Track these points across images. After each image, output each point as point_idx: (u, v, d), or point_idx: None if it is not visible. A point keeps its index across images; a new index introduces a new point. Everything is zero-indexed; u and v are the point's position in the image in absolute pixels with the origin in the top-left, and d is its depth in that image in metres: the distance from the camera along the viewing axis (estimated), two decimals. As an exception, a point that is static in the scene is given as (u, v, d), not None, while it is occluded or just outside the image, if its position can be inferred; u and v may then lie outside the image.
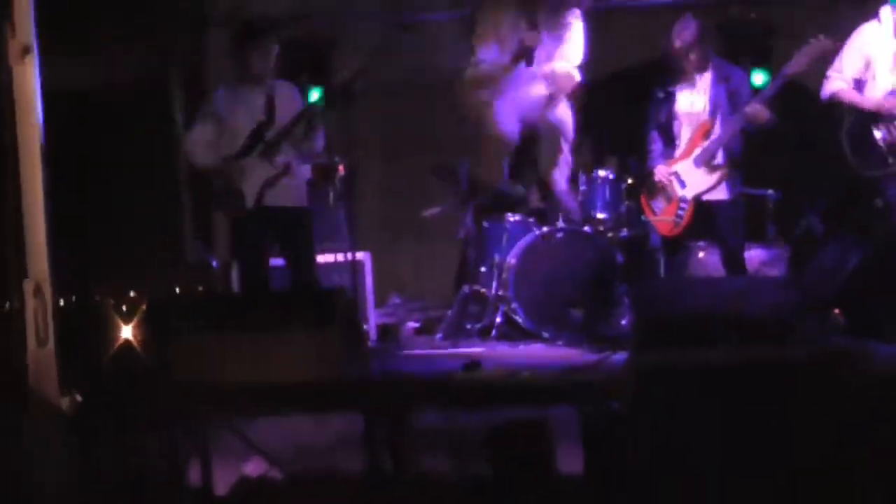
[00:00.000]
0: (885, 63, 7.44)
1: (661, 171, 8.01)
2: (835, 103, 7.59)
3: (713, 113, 7.96)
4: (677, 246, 8.16)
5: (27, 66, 5.85)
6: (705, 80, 8.02)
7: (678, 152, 8.04)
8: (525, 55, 7.96)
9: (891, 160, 7.35)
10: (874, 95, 7.45)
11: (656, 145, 8.09)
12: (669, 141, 8.08)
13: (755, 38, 9.51)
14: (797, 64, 7.63)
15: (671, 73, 8.07)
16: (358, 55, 7.67)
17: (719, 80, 8.00)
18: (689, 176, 7.98)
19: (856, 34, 7.57)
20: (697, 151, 7.96)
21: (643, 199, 8.17)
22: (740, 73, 8.10)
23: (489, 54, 8.27)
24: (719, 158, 7.95)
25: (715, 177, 7.96)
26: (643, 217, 8.21)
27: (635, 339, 6.46)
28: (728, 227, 8.07)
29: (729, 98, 7.96)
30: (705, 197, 8.00)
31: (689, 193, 7.98)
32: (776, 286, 6.94)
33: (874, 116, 7.40)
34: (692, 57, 7.93)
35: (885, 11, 7.48)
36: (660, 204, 8.07)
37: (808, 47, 7.63)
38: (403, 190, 9.80)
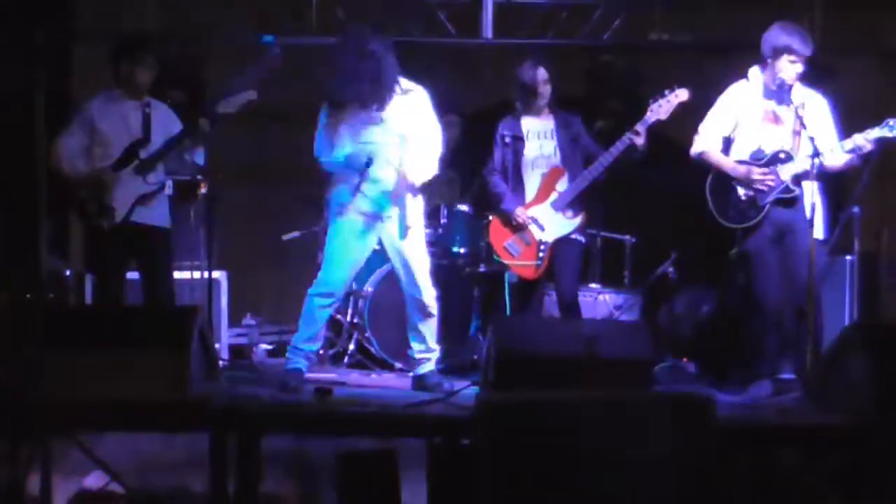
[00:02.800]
0: (752, 122, 7.59)
1: (521, 214, 8.02)
2: (701, 161, 7.72)
3: (564, 157, 8.05)
4: (532, 289, 8.17)
5: None
6: (549, 125, 8.11)
7: (530, 196, 8.05)
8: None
9: (750, 214, 7.49)
10: (740, 155, 7.59)
11: (501, 188, 8.11)
12: (517, 184, 8.09)
13: (625, 85, 9.63)
14: (656, 114, 7.78)
15: (517, 114, 8.13)
16: (245, 90, 7.59)
17: (561, 125, 8.10)
18: (548, 220, 8.00)
19: (726, 93, 7.71)
20: (554, 196, 8.01)
21: (494, 242, 8.14)
22: (577, 119, 8.18)
23: None
24: (576, 204, 8.01)
25: (577, 221, 8.03)
26: (496, 258, 8.16)
27: (489, 373, 6.49)
28: (574, 269, 8.14)
29: (574, 144, 8.08)
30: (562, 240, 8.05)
31: (548, 237, 7.99)
32: (631, 330, 7.02)
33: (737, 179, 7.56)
34: (537, 100, 8.02)
35: (753, 71, 7.64)
36: (516, 247, 8.06)
37: (668, 98, 7.79)
38: (264, 212, 9.76)
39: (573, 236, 8.06)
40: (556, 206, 8.00)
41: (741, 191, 7.54)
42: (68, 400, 5.97)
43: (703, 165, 7.71)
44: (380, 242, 7.58)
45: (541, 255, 7.98)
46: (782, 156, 7.48)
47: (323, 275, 7.45)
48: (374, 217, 7.41)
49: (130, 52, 7.80)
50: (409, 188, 7.33)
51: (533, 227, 8.00)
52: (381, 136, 7.34)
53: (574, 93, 9.12)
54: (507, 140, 8.11)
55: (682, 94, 7.80)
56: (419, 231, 7.50)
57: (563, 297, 8.09)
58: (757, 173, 7.48)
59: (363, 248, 7.48)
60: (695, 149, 7.74)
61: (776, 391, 7.18)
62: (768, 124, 7.59)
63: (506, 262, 8.11)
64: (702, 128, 7.74)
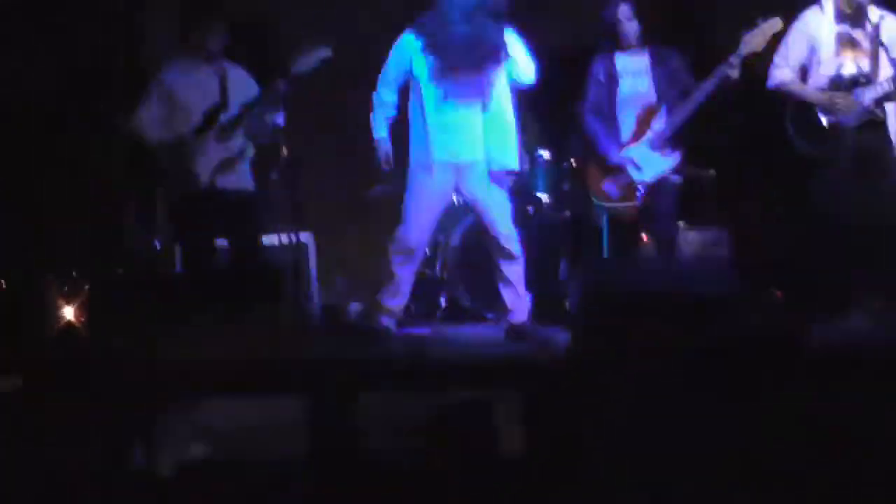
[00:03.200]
0: (828, 48, 7.50)
1: (616, 154, 7.94)
2: (780, 92, 7.64)
3: (659, 95, 7.93)
4: (631, 229, 8.13)
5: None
6: (643, 61, 7.99)
7: (626, 136, 7.96)
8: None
9: (832, 142, 7.41)
10: (818, 82, 7.52)
11: (597, 127, 8.03)
12: (611, 124, 8.00)
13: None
14: (749, 45, 7.62)
15: (609, 49, 8.05)
16: (319, 47, 7.60)
17: (657, 62, 7.99)
18: (645, 159, 7.91)
19: (799, 20, 7.62)
20: (649, 135, 7.90)
21: (592, 184, 8.04)
22: (676, 54, 8.05)
23: None
24: (673, 141, 7.93)
25: (673, 159, 7.96)
26: (597, 201, 8.04)
27: (580, 320, 6.47)
28: (670, 209, 8.06)
29: (670, 80, 7.96)
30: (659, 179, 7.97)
31: (645, 177, 7.91)
32: (721, 267, 6.97)
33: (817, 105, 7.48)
34: (631, 34, 7.93)
35: None
36: (613, 189, 8.00)
37: (762, 28, 7.64)
38: (347, 171, 9.77)
39: (670, 176, 7.99)
40: (653, 145, 7.91)
41: (823, 118, 7.46)
42: (166, 366, 6.06)
43: (781, 96, 7.63)
44: (458, 191, 7.60)
45: (638, 195, 7.92)
46: (862, 80, 7.39)
47: (400, 230, 7.49)
48: (450, 167, 7.43)
49: (200, 18, 7.82)
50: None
51: (630, 168, 7.93)
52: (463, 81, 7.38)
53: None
54: (601, 79, 8.00)
55: (775, 24, 7.64)
56: (499, 176, 7.52)
57: (658, 238, 8.07)
58: (838, 100, 7.40)
59: (439, 201, 7.50)
60: (772, 80, 7.67)
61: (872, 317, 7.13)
62: (845, 48, 7.49)
63: (604, 204, 8.02)
64: (777, 58, 7.66)
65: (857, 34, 7.47)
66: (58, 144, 8.46)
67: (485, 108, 7.44)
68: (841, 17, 7.50)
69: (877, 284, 7.34)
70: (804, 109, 7.52)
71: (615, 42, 7.99)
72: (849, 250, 7.43)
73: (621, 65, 7.99)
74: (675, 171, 8.01)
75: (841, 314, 7.29)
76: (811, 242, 7.91)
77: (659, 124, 7.91)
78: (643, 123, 7.95)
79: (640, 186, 7.91)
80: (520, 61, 7.50)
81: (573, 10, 9.53)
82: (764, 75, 7.76)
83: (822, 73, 7.54)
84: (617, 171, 7.94)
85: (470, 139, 7.44)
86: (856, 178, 7.44)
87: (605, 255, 8.02)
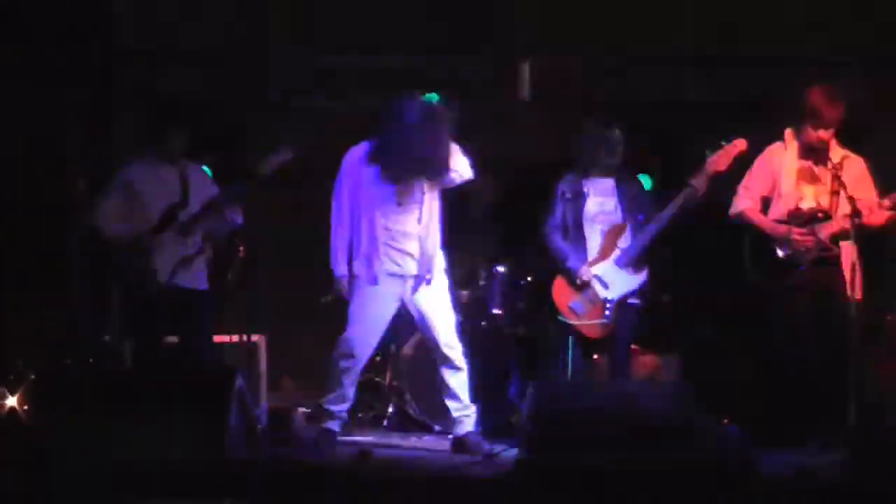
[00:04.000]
0: (789, 181, 7.65)
1: (585, 272, 7.92)
2: (741, 220, 7.77)
3: (625, 214, 7.99)
4: (597, 347, 8.15)
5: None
6: (609, 182, 8.04)
7: (592, 254, 7.98)
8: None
9: (789, 274, 7.49)
10: (778, 214, 7.65)
11: (562, 244, 8.04)
12: (578, 241, 8.02)
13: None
14: (714, 164, 7.73)
15: (578, 168, 8.11)
16: (282, 149, 7.64)
17: (622, 183, 8.05)
18: (612, 277, 7.93)
19: (764, 153, 7.79)
20: (616, 252, 7.95)
21: (559, 302, 8.00)
22: (637, 179, 8.18)
23: None
24: (639, 261, 7.95)
25: (640, 278, 7.99)
26: (561, 319, 7.97)
27: (529, 436, 6.45)
28: (629, 332, 8.08)
29: (633, 202, 8.03)
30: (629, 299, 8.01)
31: (612, 295, 7.92)
32: (673, 392, 6.97)
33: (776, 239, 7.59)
34: (605, 162, 8.00)
35: (788, 133, 7.73)
36: (581, 306, 7.98)
37: (726, 149, 7.75)
38: (301, 275, 9.76)
39: (629, 300, 8.01)
40: (620, 263, 7.95)
41: (779, 251, 7.54)
42: (109, 464, 5.98)
43: (741, 225, 7.72)
44: (403, 302, 7.63)
45: (607, 313, 7.91)
46: (820, 215, 7.51)
47: (345, 335, 7.51)
48: (397, 276, 7.47)
49: (164, 119, 7.85)
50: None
51: (597, 286, 7.94)
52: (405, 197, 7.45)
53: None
54: (568, 196, 8.03)
55: (739, 145, 7.77)
56: (442, 287, 7.55)
57: (614, 360, 8.06)
58: (795, 233, 7.50)
59: (384, 308, 7.53)
60: (734, 208, 7.80)
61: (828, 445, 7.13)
62: (805, 184, 7.62)
63: (571, 322, 7.96)
64: (741, 188, 7.81)
65: (819, 170, 7.62)
66: (17, 231, 8.42)
67: (420, 219, 7.51)
68: (805, 152, 7.65)
69: (827, 416, 7.34)
70: (761, 241, 7.62)
71: (588, 163, 8.05)
72: (801, 381, 7.47)
73: (588, 184, 8.05)
74: (640, 292, 8.04)
75: (792, 445, 7.30)
76: (765, 371, 7.96)
77: (624, 243, 7.96)
78: (610, 242, 7.99)
79: (607, 304, 7.93)
80: (458, 163, 7.57)
81: (534, 128, 9.65)
82: (725, 200, 7.86)
83: (783, 205, 7.66)
84: (584, 287, 7.95)
85: (413, 249, 7.50)
86: (808, 312, 7.51)
87: (564, 371, 7.98)
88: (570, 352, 7.98)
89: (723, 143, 7.78)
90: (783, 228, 7.55)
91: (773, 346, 7.86)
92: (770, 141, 7.84)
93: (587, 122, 8.11)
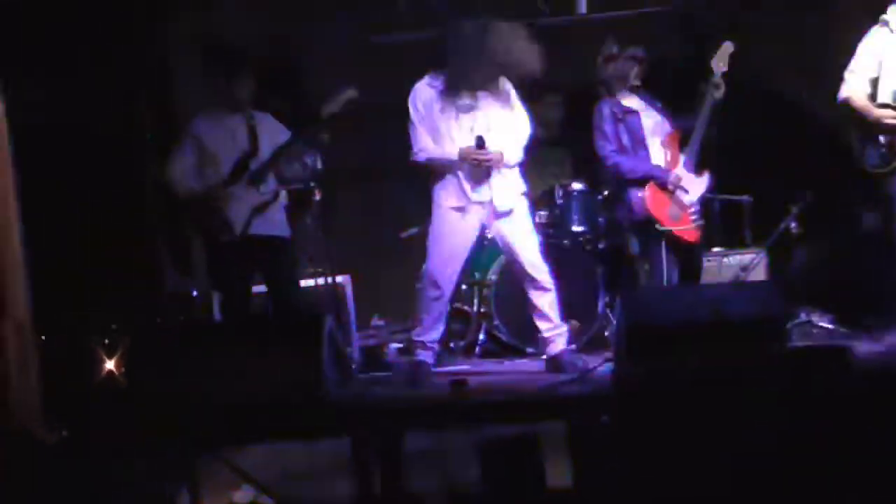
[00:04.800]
0: (893, 63, 7.51)
1: (676, 177, 8.02)
2: (847, 106, 7.66)
3: (671, 122, 8.13)
4: (693, 253, 8.21)
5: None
6: (639, 100, 8.18)
7: (664, 163, 8.08)
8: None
9: (893, 159, 7.43)
10: (884, 96, 7.52)
11: (634, 162, 8.07)
12: (645, 154, 8.10)
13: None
14: (719, 67, 7.86)
15: (609, 92, 8.18)
16: (345, 88, 7.66)
17: (644, 97, 8.19)
18: (688, 182, 8.06)
19: (866, 37, 7.61)
20: (682, 158, 8.04)
21: (656, 212, 8.00)
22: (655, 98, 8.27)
23: None
24: (700, 163, 8.06)
25: (704, 180, 8.12)
26: (660, 228, 8.00)
27: (621, 349, 6.46)
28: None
29: (667, 111, 8.18)
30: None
31: (692, 198, 8.06)
32: (759, 290, 6.95)
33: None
34: (632, 81, 8.11)
35: (891, 10, 7.56)
36: (674, 212, 8.02)
37: (719, 52, 7.88)
38: (381, 212, 9.80)
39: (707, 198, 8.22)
40: (688, 168, 8.04)
41: (882, 137, 7.45)
42: (210, 413, 6.05)
43: (847, 111, 7.66)
44: (484, 228, 7.64)
45: (694, 216, 8.04)
46: None
47: (427, 266, 7.53)
48: (475, 205, 7.47)
49: (226, 67, 7.86)
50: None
51: (680, 191, 8.02)
52: (477, 123, 7.41)
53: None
54: (620, 116, 8.07)
55: (727, 47, 7.89)
56: (522, 210, 7.54)
57: (692, 263, 8.22)
58: (888, 117, 7.40)
59: (464, 238, 7.53)
60: (840, 94, 7.68)
61: None
62: None
63: (670, 228, 8.01)
64: (846, 73, 7.66)
65: None
66: (94, 196, 8.49)
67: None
68: None
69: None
70: (867, 127, 7.51)
71: (615, 85, 8.16)
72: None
73: (628, 103, 8.14)
74: (710, 192, 8.18)
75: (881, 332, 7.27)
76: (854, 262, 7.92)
77: (683, 149, 8.05)
78: (674, 150, 8.07)
79: (692, 208, 8.03)
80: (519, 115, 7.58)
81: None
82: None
83: (888, 87, 7.51)
84: (674, 193, 8.01)
85: (491, 177, 7.49)
86: None
87: (661, 279, 8.00)
88: (662, 260, 8.00)
89: (720, 42, 7.88)
90: (886, 115, 7.45)
91: (864, 232, 7.83)
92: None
93: (612, 43, 8.15)
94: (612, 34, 8.37)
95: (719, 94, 7.84)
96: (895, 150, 7.40)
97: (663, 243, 8.00)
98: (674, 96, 8.26)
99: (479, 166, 7.39)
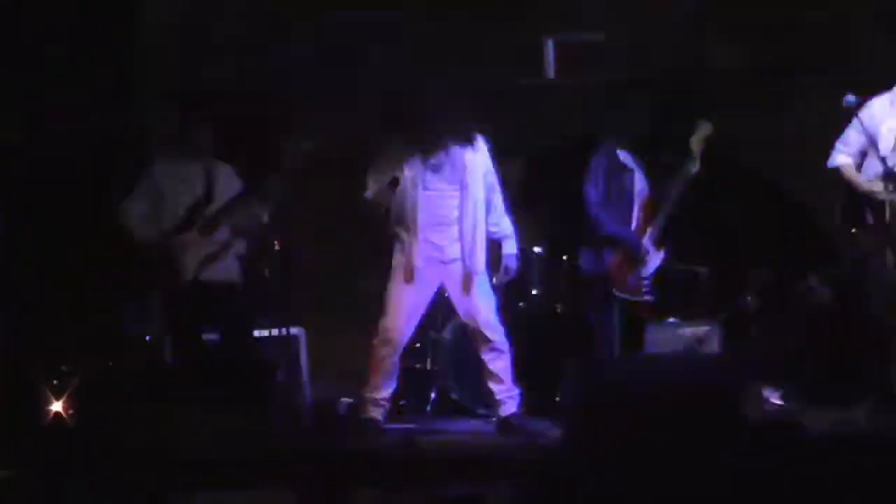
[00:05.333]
0: (887, 141, 7.41)
1: (645, 248, 7.98)
2: (837, 175, 7.63)
3: (651, 190, 8.07)
4: (639, 325, 8.18)
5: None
6: (628, 156, 8.08)
7: (635, 229, 8.05)
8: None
9: (874, 239, 7.43)
10: (872, 172, 7.47)
11: (615, 223, 7.99)
12: (628, 216, 8.04)
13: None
14: (697, 146, 7.84)
15: (611, 143, 8.10)
16: (306, 140, 7.69)
17: (635, 157, 8.13)
18: (650, 254, 8.02)
19: (865, 109, 7.49)
20: (650, 230, 8.01)
21: (618, 279, 7.98)
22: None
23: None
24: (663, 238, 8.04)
25: (661, 254, 8.08)
26: (620, 296, 7.99)
27: (573, 414, 6.43)
28: None
29: (649, 176, 8.14)
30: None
31: (650, 271, 8.04)
32: (715, 362, 6.96)
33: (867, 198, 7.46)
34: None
35: None
36: (633, 282, 8.00)
37: (697, 133, 7.86)
38: (338, 266, 9.78)
39: None
40: (651, 241, 8.02)
41: (868, 216, 7.44)
42: (155, 459, 6.01)
43: (837, 179, 7.63)
44: (442, 286, 7.63)
45: (645, 287, 8.02)
46: None
47: (382, 322, 7.51)
48: (435, 262, 7.46)
49: (190, 116, 7.89)
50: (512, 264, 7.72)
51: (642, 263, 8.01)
52: (443, 183, 7.42)
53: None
54: (614, 172, 8.00)
55: (706, 128, 7.87)
56: (480, 270, 7.55)
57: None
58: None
59: (422, 294, 7.52)
60: (832, 161, 7.66)
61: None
62: None
63: (626, 297, 8.01)
64: (839, 142, 7.64)
65: None
66: (50, 236, 8.45)
67: (461, 205, 7.49)
68: None
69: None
70: (856, 199, 7.50)
71: (618, 137, 8.08)
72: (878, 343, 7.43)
73: (624, 159, 8.06)
74: (667, 262, 8.16)
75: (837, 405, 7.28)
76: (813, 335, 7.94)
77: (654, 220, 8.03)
78: (647, 217, 8.03)
79: (645, 280, 8.02)
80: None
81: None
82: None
83: (878, 164, 7.42)
84: (639, 263, 7.98)
85: (452, 236, 7.49)
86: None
87: (612, 348, 7.98)
88: (616, 329, 7.99)
89: (702, 122, 7.87)
90: (877, 188, 7.39)
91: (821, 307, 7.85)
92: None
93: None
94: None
95: (695, 170, 7.82)
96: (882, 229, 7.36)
97: (615, 310, 8.01)
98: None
99: None
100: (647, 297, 8.04)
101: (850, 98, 7.39)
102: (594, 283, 8.14)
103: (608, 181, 8.01)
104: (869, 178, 7.48)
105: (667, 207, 7.93)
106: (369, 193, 7.55)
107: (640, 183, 8.08)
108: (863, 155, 7.57)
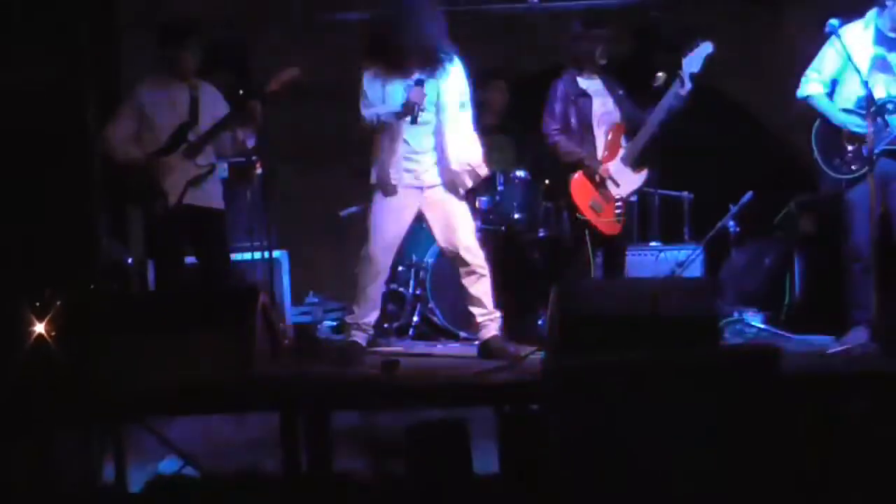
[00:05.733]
0: (860, 68, 7.31)
1: (605, 169, 7.98)
2: (807, 104, 7.62)
3: (621, 114, 8.07)
4: (614, 246, 8.18)
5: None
6: (599, 83, 8.10)
7: (600, 153, 8.04)
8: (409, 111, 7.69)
9: (856, 165, 7.37)
10: (846, 101, 7.44)
11: (575, 146, 8.04)
12: (588, 141, 8.05)
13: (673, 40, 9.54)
14: (689, 66, 7.74)
15: (570, 73, 8.10)
16: (290, 67, 7.64)
17: (608, 86, 8.12)
18: (621, 176, 8.02)
19: (834, 38, 7.40)
20: (622, 152, 8.02)
21: (578, 201, 8.00)
22: (617, 79, 8.20)
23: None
24: (639, 159, 8.02)
25: (640, 176, 8.09)
26: (579, 217, 8.02)
27: (554, 339, 6.46)
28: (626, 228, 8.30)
29: (622, 103, 8.11)
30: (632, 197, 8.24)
31: (622, 192, 8.03)
32: (695, 286, 6.98)
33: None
34: (598, 60, 8.01)
35: (870, 15, 7.46)
36: (599, 204, 8.00)
37: (694, 51, 7.75)
38: (320, 190, 9.77)
39: (631, 198, 8.16)
40: (624, 162, 8.02)
41: (849, 145, 7.41)
42: (137, 385, 6.02)
43: (807, 109, 7.61)
44: (421, 211, 7.62)
45: (618, 211, 8.02)
46: (890, 106, 7.33)
47: (365, 247, 7.50)
48: (413, 188, 7.46)
49: (175, 37, 7.82)
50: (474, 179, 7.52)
51: (609, 183, 8.00)
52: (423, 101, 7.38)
53: (624, 52, 9.04)
54: (573, 97, 8.05)
55: (706, 47, 7.78)
56: (459, 193, 7.54)
57: (614, 257, 8.21)
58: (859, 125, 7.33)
59: (402, 219, 7.51)
60: (800, 91, 7.63)
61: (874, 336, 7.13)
62: (877, 72, 7.40)
63: (590, 219, 7.99)
64: (810, 70, 7.61)
65: (893, 59, 7.42)
66: (31, 161, 8.41)
67: (437, 131, 7.46)
68: (881, 40, 7.43)
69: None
70: (830, 129, 7.49)
71: (578, 63, 8.08)
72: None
73: (585, 85, 8.08)
74: (648, 187, 8.23)
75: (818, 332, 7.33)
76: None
77: (624, 142, 8.06)
78: (615, 141, 8.06)
79: (618, 202, 8.00)
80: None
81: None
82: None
83: (851, 91, 7.42)
84: (601, 185, 7.99)
85: (430, 161, 7.47)
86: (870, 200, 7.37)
87: (586, 271, 8.00)
88: (588, 247, 8.01)
89: (697, 42, 7.79)
90: (849, 119, 7.38)
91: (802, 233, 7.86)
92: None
93: (578, 21, 8.10)
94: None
95: (684, 92, 7.76)
96: (860, 157, 7.33)
97: (586, 232, 8.03)
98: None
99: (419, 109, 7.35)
100: (614, 219, 8.03)
101: (833, 22, 7.34)
102: (563, 208, 8.19)
103: (566, 106, 8.05)
104: (843, 106, 7.47)
105: (648, 130, 7.90)
106: (370, 117, 7.46)
107: (604, 107, 8.07)
108: (834, 83, 7.55)
